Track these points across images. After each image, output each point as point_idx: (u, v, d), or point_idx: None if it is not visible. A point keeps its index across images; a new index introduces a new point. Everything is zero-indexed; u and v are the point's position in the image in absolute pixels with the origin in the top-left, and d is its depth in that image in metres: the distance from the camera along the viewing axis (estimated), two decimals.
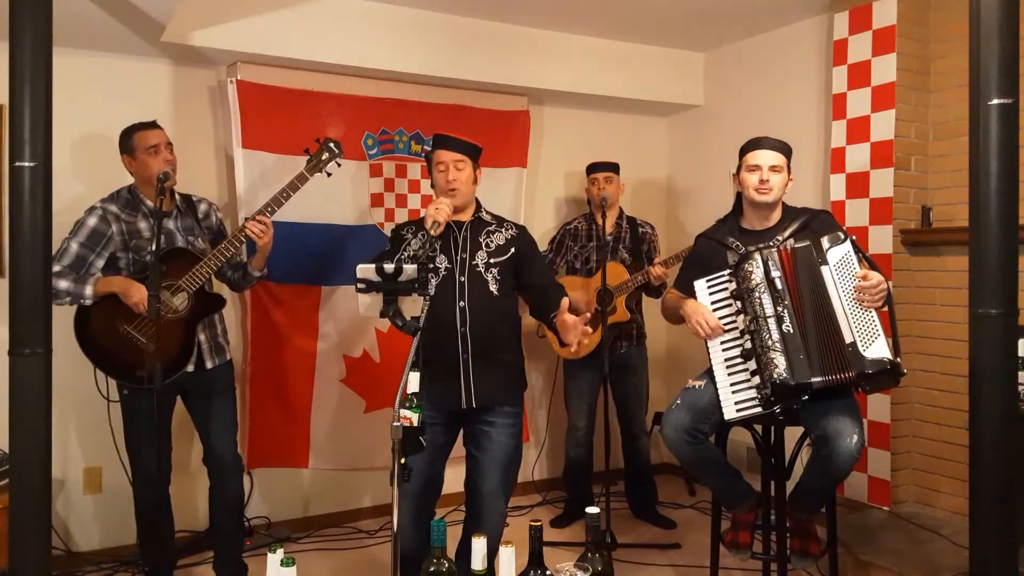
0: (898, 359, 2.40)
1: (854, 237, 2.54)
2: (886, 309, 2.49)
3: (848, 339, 2.43)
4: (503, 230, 2.81)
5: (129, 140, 2.90)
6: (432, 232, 2.59)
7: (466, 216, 2.78)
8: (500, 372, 2.70)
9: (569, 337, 2.55)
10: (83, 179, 3.36)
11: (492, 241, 2.77)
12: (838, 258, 2.49)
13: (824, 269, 2.49)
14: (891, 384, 2.51)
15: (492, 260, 2.73)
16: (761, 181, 2.65)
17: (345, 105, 3.78)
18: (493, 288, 2.70)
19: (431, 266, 2.67)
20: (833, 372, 2.43)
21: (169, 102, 3.59)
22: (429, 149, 2.83)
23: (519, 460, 2.78)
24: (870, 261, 2.52)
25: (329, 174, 3.09)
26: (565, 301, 2.60)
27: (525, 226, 2.93)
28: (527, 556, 1.70)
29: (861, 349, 2.41)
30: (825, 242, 2.51)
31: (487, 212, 2.85)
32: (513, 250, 2.78)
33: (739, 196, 2.80)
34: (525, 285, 2.82)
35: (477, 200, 2.84)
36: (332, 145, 3.06)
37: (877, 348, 2.40)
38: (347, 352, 3.86)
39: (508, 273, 2.76)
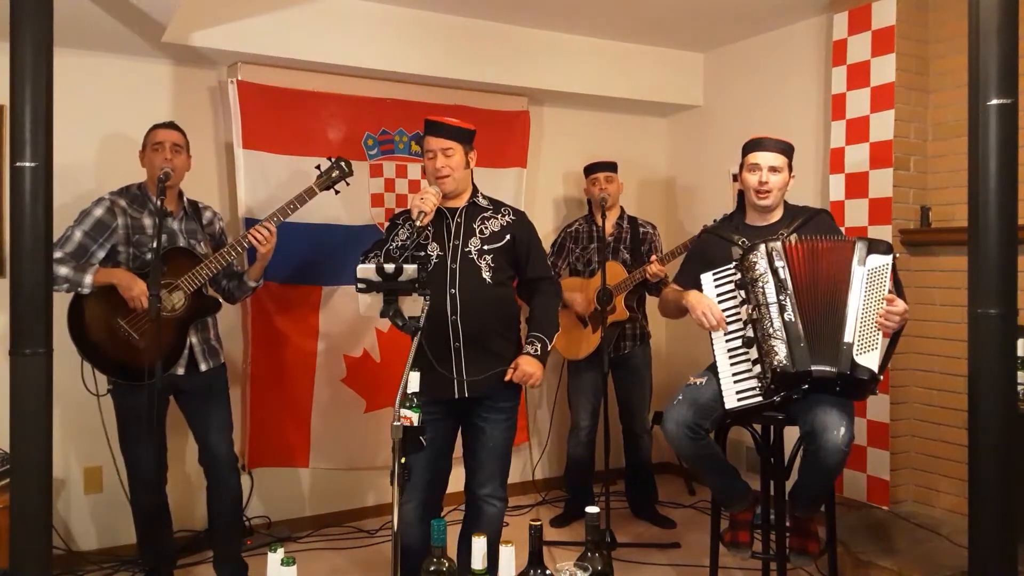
0: (880, 376, 2.46)
1: (898, 255, 2.56)
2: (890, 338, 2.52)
3: (847, 339, 2.46)
4: (500, 216, 2.71)
5: (145, 137, 2.97)
6: (418, 222, 2.51)
7: (461, 202, 2.70)
8: (493, 362, 2.61)
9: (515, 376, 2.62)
10: (83, 179, 3.36)
11: (487, 227, 2.67)
12: (875, 265, 2.50)
13: (858, 268, 2.51)
14: (862, 396, 2.58)
15: (486, 247, 2.64)
16: (760, 183, 2.68)
17: (345, 105, 3.78)
18: (487, 276, 2.62)
19: (422, 254, 2.59)
20: (820, 362, 2.47)
21: (170, 102, 3.59)
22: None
23: (510, 454, 2.74)
24: (899, 285, 2.54)
25: (337, 191, 3.11)
26: (524, 362, 2.60)
27: (524, 212, 2.83)
28: (527, 556, 1.70)
29: (855, 353, 2.45)
30: (873, 244, 2.53)
31: (484, 196, 2.75)
32: (509, 236, 2.68)
33: (742, 193, 2.82)
34: (519, 276, 2.76)
35: (474, 185, 2.76)
36: (343, 164, 3.07)
37: (870, 358, 2.45)
38: (347, 352, 3.86)
39: (504, 260, 2.66)
